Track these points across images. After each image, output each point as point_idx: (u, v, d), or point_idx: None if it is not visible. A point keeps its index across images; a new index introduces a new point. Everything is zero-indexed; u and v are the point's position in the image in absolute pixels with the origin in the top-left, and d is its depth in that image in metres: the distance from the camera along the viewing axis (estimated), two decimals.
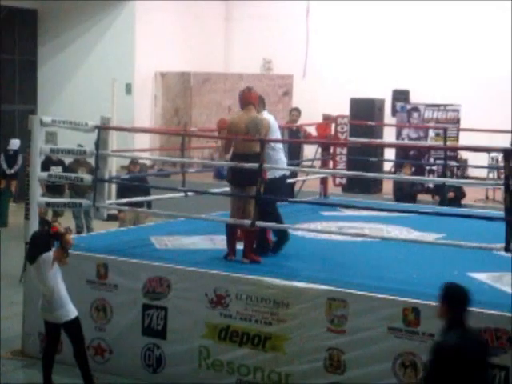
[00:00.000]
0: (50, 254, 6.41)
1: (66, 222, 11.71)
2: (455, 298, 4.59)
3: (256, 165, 6.91)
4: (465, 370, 4.34)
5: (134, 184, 9.86)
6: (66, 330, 6.55)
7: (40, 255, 6.40)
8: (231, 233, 7.22)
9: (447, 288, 4.66)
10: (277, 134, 7.67)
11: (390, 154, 14.98)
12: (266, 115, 7.54)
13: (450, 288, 4.67)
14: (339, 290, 6.22)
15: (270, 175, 7.40)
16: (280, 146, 7.62)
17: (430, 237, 8.22)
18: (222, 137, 7.48)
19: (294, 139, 11.32)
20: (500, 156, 13.46)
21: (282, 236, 7.53)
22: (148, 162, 15.96)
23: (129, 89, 17.82)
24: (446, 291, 4.63)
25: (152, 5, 17.92)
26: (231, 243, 7.23)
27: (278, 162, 7.47)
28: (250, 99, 7.23)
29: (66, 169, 12.26)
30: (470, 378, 4.35)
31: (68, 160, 12.40)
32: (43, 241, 6.50)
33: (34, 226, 7.65)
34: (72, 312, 6.50)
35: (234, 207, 7.24)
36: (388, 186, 14.71)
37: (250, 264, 7.07)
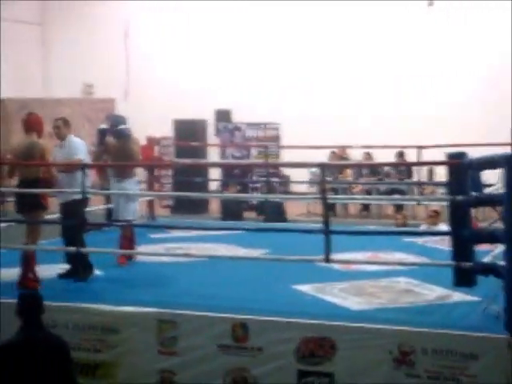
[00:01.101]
0: None
1: None
2: (25, 304, 5.21)
3: (33, 190, 7.04)
4: (29, 367, 4.98)
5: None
6: None
7: None
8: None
9: (20, 297, 5.33)
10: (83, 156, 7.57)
11: (215, 173, 15.20)
12: (73, 138, 7.59)
13: (22, 296, 5.35)
14: (168, 311, 6.23)
15: (64, 199, 7.43)
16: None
17: (256, 253, 8.41)
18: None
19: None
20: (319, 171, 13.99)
21: (81, 264, 7.35)
22: None
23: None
24: (19, 299, 5.27)
25: None
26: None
27: (74, 186, 7.36)
28: (29, 124, 7.42)
29: None
30: (38, 374, 5.00)
31: None
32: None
33: None
34: None
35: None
36: (215, 206, 14.90)
37: (74, 291, 6.94)
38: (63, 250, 7.47)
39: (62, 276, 7.42)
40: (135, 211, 8.50)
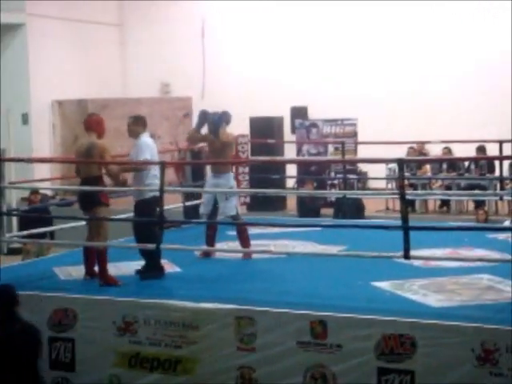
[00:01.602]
0: None
1: None
2: (3, 298, 5.52)
3: (94, 188, 7.23)
4: (12, 357, 5.35)
5: (35, 215, 9.68)
6: None
7: None
8: (85, 254, 7.50)
9: None
10: (152, 156, 7.55)
11: (291, 170, 15.19)
12: (146, 137, 7.60)
13: None
14: (246, 308, 6.25)
15: (138, 197, 7.48)
16: (153, 169, 7.49)
17: (333, 249, 8.36)
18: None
19: (197, 161, 11.35)
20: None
21: (149, 261, 7.43)
22: (49, 192, 15.66)
23: (25, 119, 17.48)
24: None
25: (45, 32, 17.68)
26: (87, 264, 7.48)
27: (140, 185, 7.43)
28: (89, 125, 7.49)
29: None
30: (18, 364, 5.38)
31: None
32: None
33: None
34: None
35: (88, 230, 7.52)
36: (292, 203, 14.88)
37: (155, 288, 7.05)
38: (137, 248, 7.55)
39: (138, 272, 7.51)
40: (234, 206, 8.37)
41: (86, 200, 7.40)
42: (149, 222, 7.38)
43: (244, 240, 8.40)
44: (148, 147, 7.49)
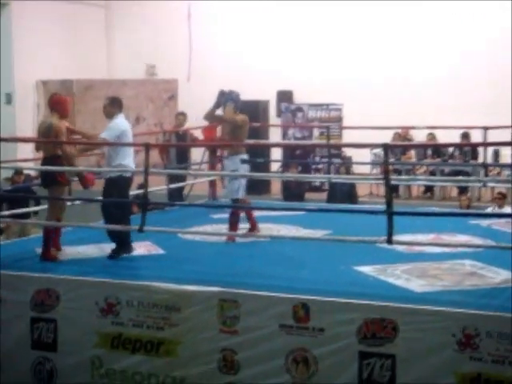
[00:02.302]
0: None
1: None
2: None
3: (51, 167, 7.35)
4: None
5: (19, 195, 9.64)
6: None
7: None
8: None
9: None
10: (125, 139, 7.54)
11: (276, 154, 15.18)
12: (120, 118, 7.58)
13: None
14: (230, 290, 6.25)
15: (105, 175, 7.56)
16: (126, 148, 7.51)
17: (317, 233, 8.38)
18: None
19: (182, 143, 11.32)
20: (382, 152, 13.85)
21: (119, 241, 7.47)
22: (33, 173, 15.57)
23: (9, 98, 17.34)
24: None
25: (30, 11, 17.51)
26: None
27: (118, 166, 7.43)
28: (50, 105, 7.74)
29: None
30: None
31: None
32: None
33: None
34: None
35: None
36: (277, 187, 14.89)
37: (138, 269, 7.04)
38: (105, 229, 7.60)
39: (110, 257, 7.49)
40: (239, 189, 8.27)
41: (44, 178, 7.58)
42: (129, 203, 7.41)
43: (232, 225, 8.31)
44: (117, 128, 7.48)
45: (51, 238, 7.47)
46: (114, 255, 7.42)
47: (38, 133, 7.73)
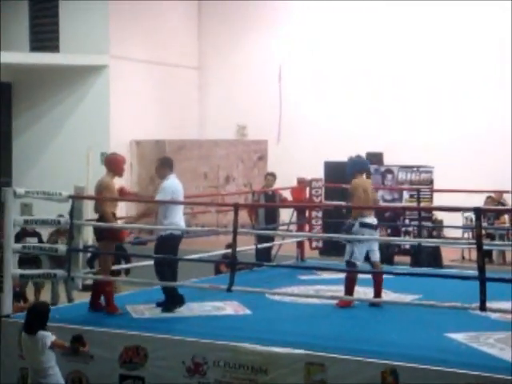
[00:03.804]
0: (51, 337, 6.25)
1: (47, 293, 11.67)
2: None
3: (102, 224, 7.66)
4: None
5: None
6: None
7: (41, 329, 6.27)
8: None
9: None
10: (175, 197, 7.70)
11: None
12: (172, 179, 7.76)
13: None
14: (317, 353, 6.17)
15: (157, 234, 7.79)
16: (176, 208, 7.68)
17: (406, 298, 8.22)
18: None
19: (271, 203, 11.37)
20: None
21: (169, 296, 7.67)
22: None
23: (104, 158, 17.82)
24: None
25: (126, 73, 18.10)
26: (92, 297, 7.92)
27: (169, 224, 7.61)
28: (106, 164, 8.00)
29: (41, 240, 12.15)
30: None
31: (48, 231, 12.30)
32: (43, 313, 6.43)
33: (9, 298, 7.56)
34: None
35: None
36: None
37: (226, 330, 7.03)
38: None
39: (158, 304, 7.76)
40: (354, 252, 8.10)
41: (97, 234, 7.88)
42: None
43: (348, 289, 8.02)
44: (169, 188, 7.67)
45: (111, 292, 7.75)
46: (168, 309, 7.63)
47: (95, 192, 7.98)
